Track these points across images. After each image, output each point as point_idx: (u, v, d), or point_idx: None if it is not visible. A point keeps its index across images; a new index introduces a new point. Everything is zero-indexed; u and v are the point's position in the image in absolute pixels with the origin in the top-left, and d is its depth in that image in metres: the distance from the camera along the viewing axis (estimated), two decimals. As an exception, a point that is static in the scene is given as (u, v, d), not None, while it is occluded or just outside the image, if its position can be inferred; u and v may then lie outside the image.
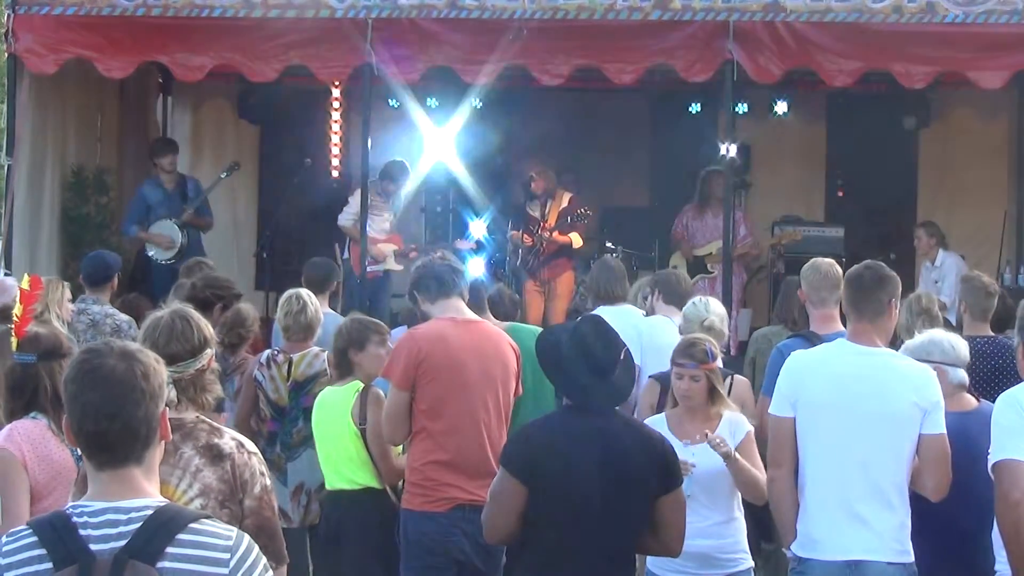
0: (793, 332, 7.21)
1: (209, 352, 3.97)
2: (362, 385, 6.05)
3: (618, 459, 4.41)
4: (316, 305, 7.28)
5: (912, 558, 4.86)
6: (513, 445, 4.67)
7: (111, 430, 2.66)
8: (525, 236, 11.79)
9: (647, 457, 4.48)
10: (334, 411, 6.14)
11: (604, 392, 4.51)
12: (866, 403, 4.81)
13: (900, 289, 5.10)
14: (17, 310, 5.09)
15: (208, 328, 4.05)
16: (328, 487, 6.27)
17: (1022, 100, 12.74)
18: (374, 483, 6.09)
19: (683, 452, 5.49)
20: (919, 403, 4.81)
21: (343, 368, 6.17)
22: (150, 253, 11.43)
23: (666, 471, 4.52)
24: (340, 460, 6.13)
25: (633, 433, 4.57)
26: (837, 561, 4.80)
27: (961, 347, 5.33)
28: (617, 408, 4.66)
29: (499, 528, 4.54)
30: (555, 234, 11.70)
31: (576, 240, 11.73)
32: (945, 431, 4.83)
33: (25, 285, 5.29)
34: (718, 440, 5.40)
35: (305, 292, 7.36)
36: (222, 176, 12.15)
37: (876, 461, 4.82)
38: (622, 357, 4.58)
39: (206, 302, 7.09)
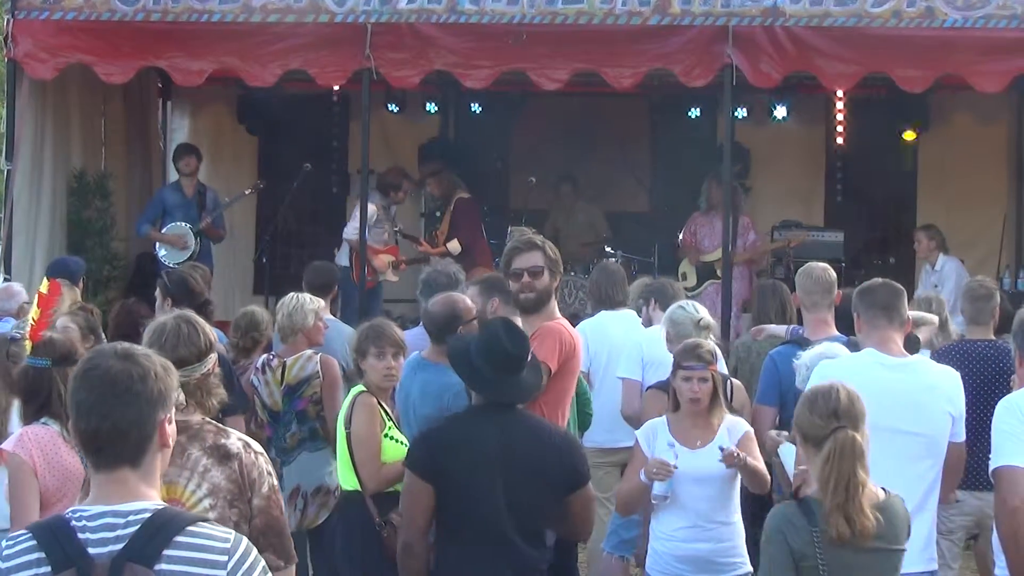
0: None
1: (214, 356, 4.01)
2: (362, 389, 5.98)
3: (522, 456, 4.56)
4: (314, 307, 7.25)
5: (936, 565, 4.93)
6: (416, 447, 4.82)
7: (101, 429, 2.68)
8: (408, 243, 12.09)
9: (554, 458, 4.64)
10: (341, 414, 6.06)
11: (512, 387, 4.66)
12: (901, 420, 4.82)
13: None
14: (34, 314, 5.12)
15: (212, 332, 4.09)
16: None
17: (1021, 104, 12.77)
18: (358, 487, 5.79)
19: (686, 457, 5.50)
20: (951, 412, 4.88)
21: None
22: (161, 254, 11.46)
23: (573, 471, 4.68)
24: (339, 462, 6.06)
25: (539, 432, 4.71)
26: None
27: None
28: (522, 407, 4.79)
29: (414, 525, 4.67)
30: (424, 245, 11.99)
31: (454, 247, 11.67)
32: (964, 439, 4.89)
33: (44, 289, 5.31)
34: (735, 455, 5.45)
35: (305, 295, 7.36)
36: (246, 192, 12.26)
37: (910, 475, 4.82)
38: (530, 358, 4.75)
39: None
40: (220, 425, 3.87)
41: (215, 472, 3.71)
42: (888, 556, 4.05)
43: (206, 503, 3.66)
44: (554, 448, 4.66)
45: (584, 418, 6.60)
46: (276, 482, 3.83)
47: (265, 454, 3.85)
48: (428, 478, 4.60)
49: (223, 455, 3.73)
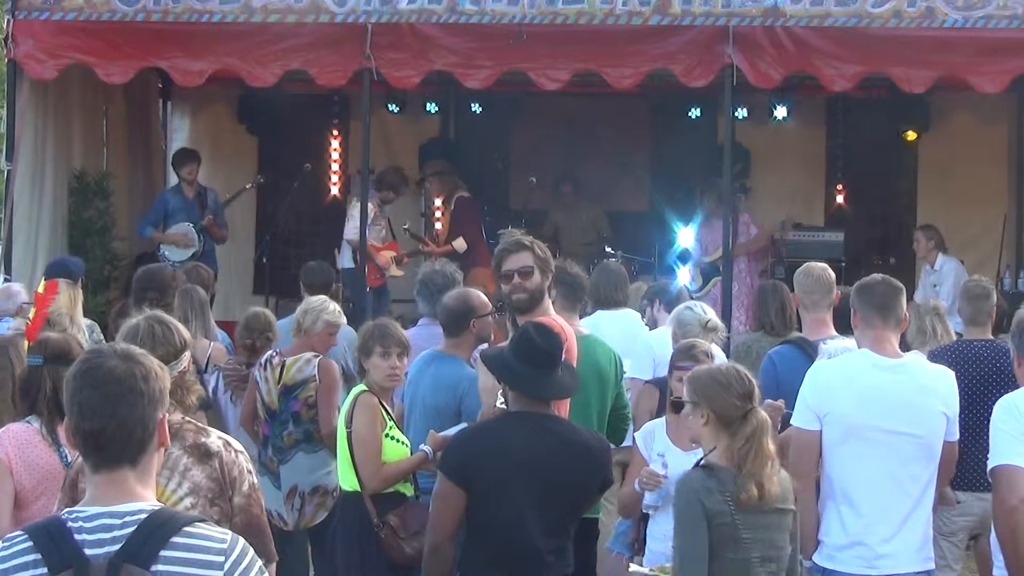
0: (771, 336, 7.20)
1: (188, 355, 4.01)
2: (364, 389, 5.96)
3: (556, 466, 4.63)
4: (329, 319, 7.14)
5: (933, 564, 4.94)
6: (450, 451, 4.88)
7: (105, 429, 2.66)
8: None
9: (588, 466, 4.73)
10: (342, 413, 6.06)
11: (547, 383, 4.71)
12: (896, 421, 4.85)
13: None
14: (31, 313, 5.14)
15: (185, 331, 4.09)
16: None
17: (1021, 104, 12.76)
18: (357, 487, 5.76)
19: (681, 458, 5.49)
20: (946, 412, 4.91)
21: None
22: (165, 253, 11.47)
23: (603, 480, 4.84)
24: (339, 461, 6.04)
25: (573, 440, 4.76)
26: (865, 575, 4.84)
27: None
28: (558, 414, 4.85)
29: (444, 528, 4.70)
30: (429, 244, 12.02)
31: (459, 245, 11.72)
32: (957, 438, 4.95)
33: (40, 289, 5.34)
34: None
35: (332, 303, 7.30)
36: (247, 187, 12.25)
37: (904, 476, 4.86)
38: (564, 358, 4.81)
39: None
40: (200, 424, 3.87)
41: (196, 471, 3.71)
42: (786, 514, 4.44)
43: (187, 502, 3.66)
44: (588, 456, 4.74)
45: (620, 433, 6.24)
46: (256, 481, 3.84)
47: (245, 452, 3.86)
48: (461, 482, 4.64)
49: (203, 453, 3.74)
